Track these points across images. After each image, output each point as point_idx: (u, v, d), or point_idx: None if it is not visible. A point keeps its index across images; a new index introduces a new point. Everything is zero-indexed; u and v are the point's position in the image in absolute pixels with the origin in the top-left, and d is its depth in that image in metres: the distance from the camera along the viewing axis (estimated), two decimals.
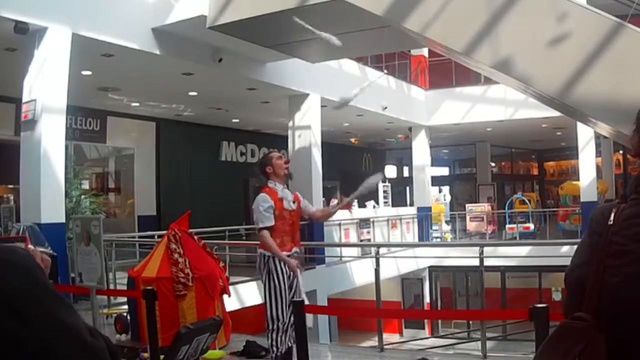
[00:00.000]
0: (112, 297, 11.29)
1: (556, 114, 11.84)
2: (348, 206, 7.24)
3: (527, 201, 26.16)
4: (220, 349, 7.91)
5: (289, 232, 6.75)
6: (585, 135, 19.92)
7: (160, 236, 10.91)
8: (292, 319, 6.71)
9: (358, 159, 30.87)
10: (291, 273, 6.73)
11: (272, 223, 6.55)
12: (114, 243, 12.88)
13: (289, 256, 6.71)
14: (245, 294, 13.31)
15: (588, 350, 1.94)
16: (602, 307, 1.99)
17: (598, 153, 22.71)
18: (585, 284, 2.06)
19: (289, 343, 6.86)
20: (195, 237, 8.87)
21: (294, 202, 6.86)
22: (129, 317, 8.82)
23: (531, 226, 24.50)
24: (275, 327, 6.61)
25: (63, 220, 10.87)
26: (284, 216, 6.65)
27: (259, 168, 6.91)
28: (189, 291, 7.86)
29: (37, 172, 10.51)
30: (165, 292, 7.69)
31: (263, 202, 6.55)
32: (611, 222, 2.06)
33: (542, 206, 28.46)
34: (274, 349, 6.62)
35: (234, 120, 21.55)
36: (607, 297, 1.98)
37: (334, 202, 21.97)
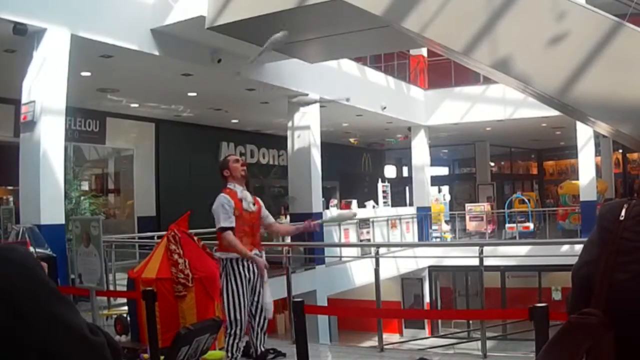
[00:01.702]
0: (112, 298, 11.28)
1: (555, 113, 11.83)
2: (313, 227, 7.31)
3: (526, 200, 26.17)
4: (220, 349, 7.74)
5: (249, 233, 6.84)
6: (584, 134, 19.96)
7: (159, 237, 10.73)
8: (260, 320, 6.98)
9: (358, 159, 30.91)
10: (251, 276, 6.87)
11: (233, 225, 6.66)
12: (113, 244, 12.87)
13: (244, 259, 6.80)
14: None
15: (596, 347, 1.94)
16: (611, 304, 1.98)
17: (597, 152, 22.73)
18: (592, 282, 2.06)
19: (263, 347, 7.10)
20: (195, 238, 8.71)
21: (254, 204, 6.97)
22: (128, 318, 8.68)
23: (531, 225, 24.54)
24: (233, 331, 6.69)
25: (63, 221, 10.84)
26: (243, 217, 6.72)
27: (218, 172, 7.06)
28: (189, 292, 7.59)
29: (36, 174, 10.49)
30: (165, 293, 7.53)
31: (224, 203, 6.67)
32: (622, 218, 2.06)
33: (542, 205, 28.41)
34: (229, 354, 6.67)
35: (233, 121, 21.52)
36: (616, 295, 1.99)
37: (334, 202, 22.03)
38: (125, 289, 8.88)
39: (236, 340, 6.75)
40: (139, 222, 19.58)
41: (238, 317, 6.76)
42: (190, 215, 8.71)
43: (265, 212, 7.15)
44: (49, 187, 10.63)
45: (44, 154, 10.52)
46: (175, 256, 7.88)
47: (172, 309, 7.64)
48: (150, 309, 5.60)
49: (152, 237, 14.26)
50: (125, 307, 9.29)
